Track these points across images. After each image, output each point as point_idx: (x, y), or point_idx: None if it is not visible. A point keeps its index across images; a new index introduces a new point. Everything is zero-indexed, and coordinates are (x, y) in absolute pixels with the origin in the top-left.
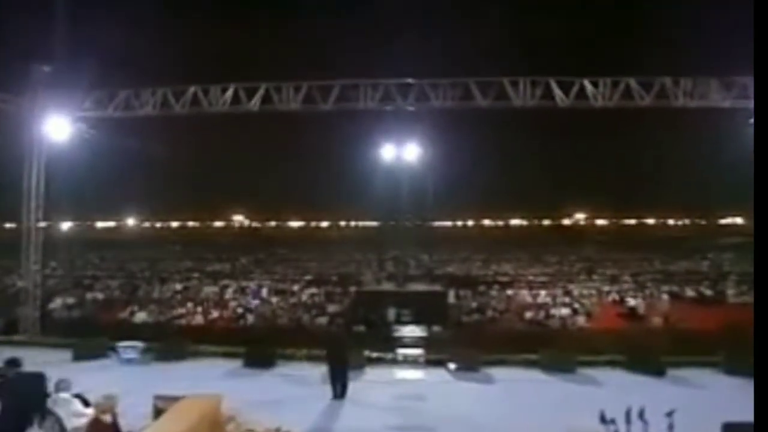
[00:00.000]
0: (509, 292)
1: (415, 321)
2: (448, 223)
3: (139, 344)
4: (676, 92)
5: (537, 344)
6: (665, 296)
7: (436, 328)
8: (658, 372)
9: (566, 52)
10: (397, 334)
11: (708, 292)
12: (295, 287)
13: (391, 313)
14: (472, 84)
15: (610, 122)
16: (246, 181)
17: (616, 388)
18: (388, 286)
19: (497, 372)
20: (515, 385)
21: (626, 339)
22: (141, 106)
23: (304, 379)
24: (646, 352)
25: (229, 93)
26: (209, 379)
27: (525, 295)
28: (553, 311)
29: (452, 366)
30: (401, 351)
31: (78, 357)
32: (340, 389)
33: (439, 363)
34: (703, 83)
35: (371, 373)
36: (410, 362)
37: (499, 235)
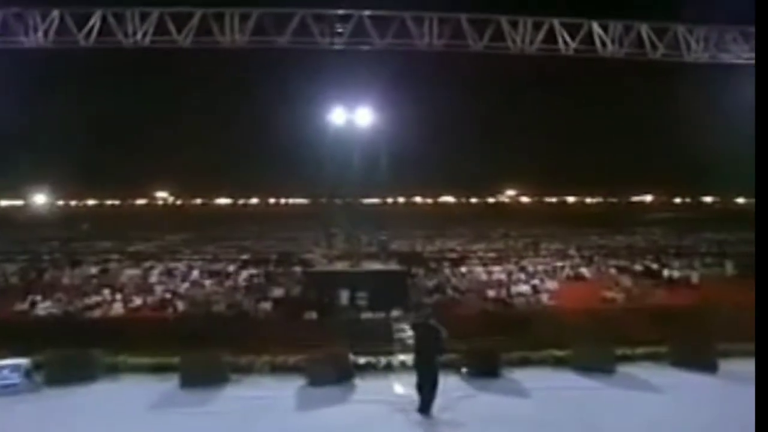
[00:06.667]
0: (463, 269)
1: (373, 305)
2: (377, 200)
3: (23, 362)
4: (689, 41)
5: (534, 330)
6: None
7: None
8: (710, 367)
9: None
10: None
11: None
12: (231, 268)
13: (344, 295)
14: (464, 21)
15: (541, 98)
16: (168, 151)
17: (678, 394)
18: (340, 266)
19: (523, 377)
20: (557, 396)
21: (630, 323)
22: (26, 34)
23: (276, 406)
24: (690, 340)
25: (152, 19)
26: (129, 420)
27: (481, 272)
28: (518, 289)
29: (465, 371)
30: (396, 351)
31: None
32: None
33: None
34: (717, 32)
35: (364, 387)
36: (408, 368)
37: (431, 212)
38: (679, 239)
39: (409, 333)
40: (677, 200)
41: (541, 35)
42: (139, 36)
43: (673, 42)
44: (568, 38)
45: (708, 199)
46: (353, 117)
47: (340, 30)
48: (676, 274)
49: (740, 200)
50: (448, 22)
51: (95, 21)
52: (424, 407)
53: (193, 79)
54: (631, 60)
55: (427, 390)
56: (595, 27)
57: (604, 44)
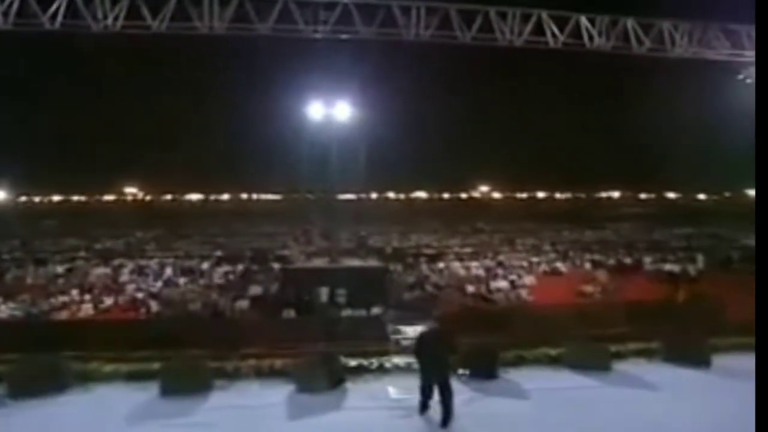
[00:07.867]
0: (441, 265)
1: (352, 302)
2: (352, 196)
3: None
4: (674, 37)
5: (516, 326)
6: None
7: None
8: (703, 362)
9: None
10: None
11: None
12: (205, 265)
13: (323, 293)
14: (452, 11)
15: (510, 98)
16: (137, 145)
17: (675, 391)
18: (318, 263)
19: (520, 377)
20: (557, 397)
21: (610, 318)
22: None
23: (264, 415)
24: (682, 336)
25: (124, 2)
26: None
27: (458, 267)
28: (496, 284)
29: (461, 372)
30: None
31: None
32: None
33: None
34: (701, 29)
35: (357, 392)
36: (402, 369)
37: (404, 208)
38: (649, 234)
39: (405, 334)
40: (643, 196)
41: (529, 27)
42: (109, 20)
43: (658, 37)
44: (556, 31)
45: (672, 195)
46: (331, 111)
47: (324, 18)
48: (650, 267)
49: (702, 196)
50: (436, 12)
51: (61, 2)
52: (446, 416)
53: (165, 68)
54: (605, 57)
55: (445, 398)
56: (583, 20)
57: (591, 38)
